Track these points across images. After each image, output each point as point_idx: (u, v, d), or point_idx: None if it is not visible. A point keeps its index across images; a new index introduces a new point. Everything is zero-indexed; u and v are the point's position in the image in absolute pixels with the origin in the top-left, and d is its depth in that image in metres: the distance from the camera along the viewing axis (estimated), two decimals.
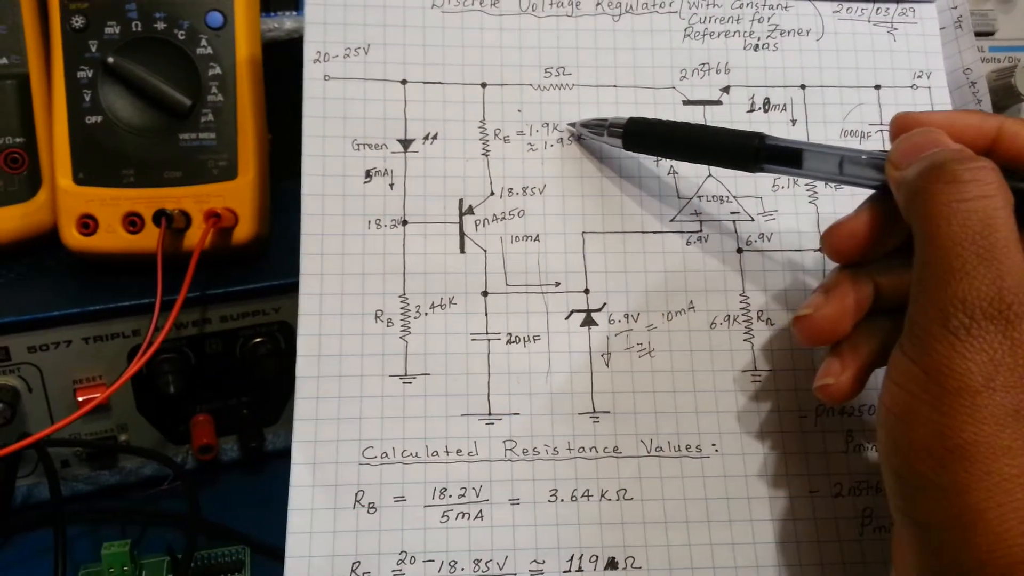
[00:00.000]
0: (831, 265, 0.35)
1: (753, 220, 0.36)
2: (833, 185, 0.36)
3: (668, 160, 0.36)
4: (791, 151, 0.30)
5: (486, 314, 0.34)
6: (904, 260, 0.28)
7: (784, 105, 0.37)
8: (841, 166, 0.29)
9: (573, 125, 0.36)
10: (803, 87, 0.38)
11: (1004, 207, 0.24)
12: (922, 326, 0.24)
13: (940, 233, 0.24)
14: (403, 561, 0.31)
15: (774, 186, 0.36)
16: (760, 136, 0.31)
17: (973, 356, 0.23)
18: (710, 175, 0.36)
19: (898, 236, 0.29)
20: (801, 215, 0.36)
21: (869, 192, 0.30)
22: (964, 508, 0.23)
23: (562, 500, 0.32)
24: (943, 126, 0.28)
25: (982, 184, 0.24)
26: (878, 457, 0.26)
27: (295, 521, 0.31)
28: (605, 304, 0.35)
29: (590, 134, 0.36)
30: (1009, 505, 0.22)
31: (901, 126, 0.29)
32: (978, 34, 0.48)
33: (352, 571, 0.31)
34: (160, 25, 0.43)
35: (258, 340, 0.45)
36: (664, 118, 0.36)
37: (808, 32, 0.38)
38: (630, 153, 0.36)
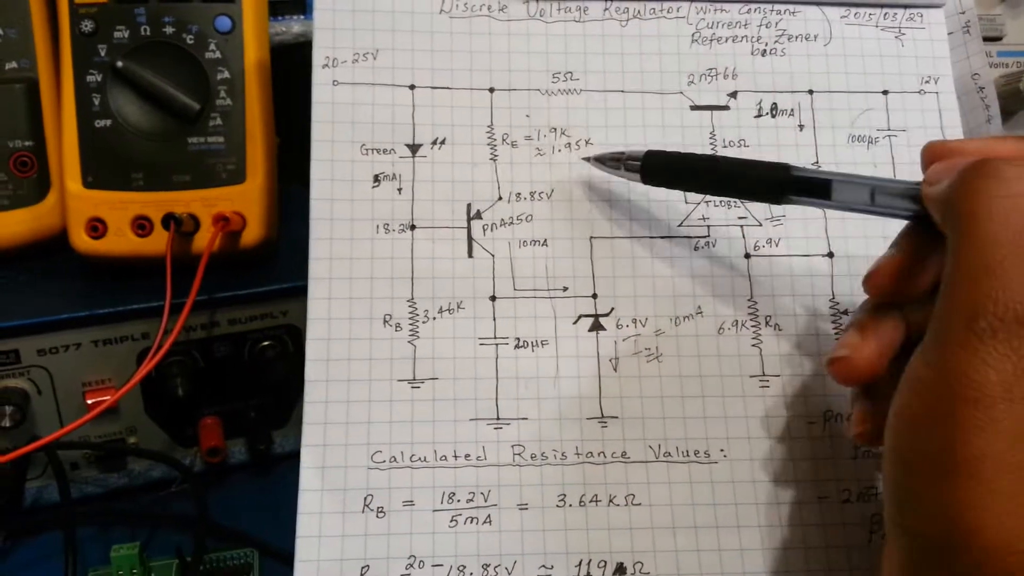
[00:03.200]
0: (839, 270, 0.35)
1: (761, 225, 0.36)
2: None
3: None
4: (819, 182, 0.29)
5: (494, 319, 0.34)
6: (934, 297, 0.27)
7: (792, 110, 0.37)
8: (873, 196, 0.28)
9: (588, 159, 0.36)
10: (811, 92, 0.38)
11: None
12: (945, 326, 0.23)
13: (979, 228, 0.23)
14: (412, 565, 0.31)
15: None
16: (787, 168, 0.30)
17: (995, 364, 0.22)
18: None
19: (933, 273, 0.28)
20: (809, 220, 0.36)
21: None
22: (961, 525, 0.22)
23: (570, 505, 0.32)
24: (979, 153, 0.26)
25: None
26: (883, 461, 0.26)
27: (304, 525, 0.31)
28: (613, 309, 0.35)
29: (607, 169, 0.35)
30: (1009, 523, 0.22)
31: (935, 154, 0.27)
32: (986, 39, 0.48)
33: (361, 575, 0.31)
34: (169, 29, 0.43)
35: (266, 343, 0.45)
36: (672, 124, 0.37)
37: (816, 37, 0.38)
38: None
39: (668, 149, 0.34)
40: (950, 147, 0.27)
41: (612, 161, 0.35)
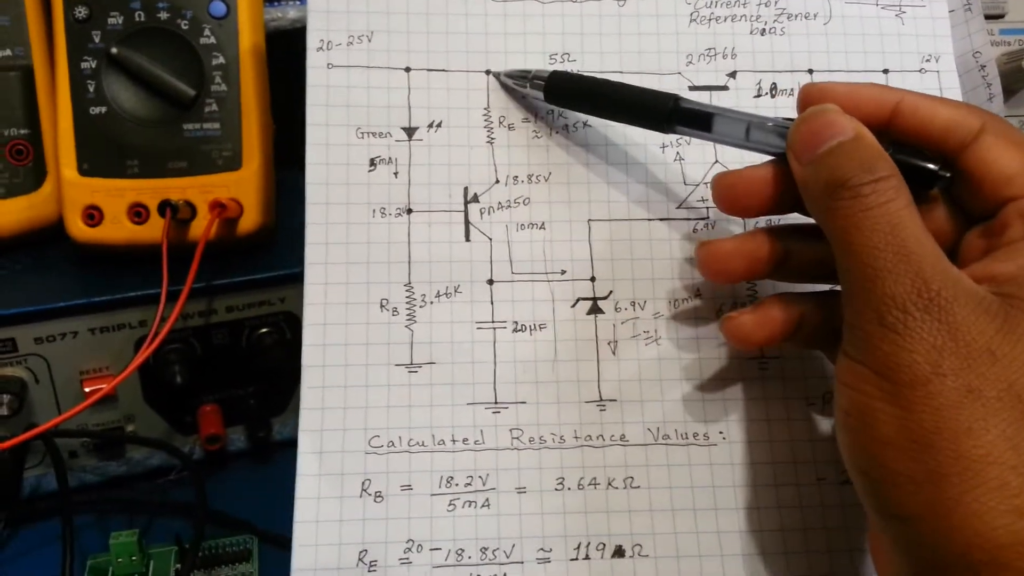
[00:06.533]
0: None
1: None
2: None
3: (674, 139, 0.36)
4: (702, 114, 0.31)
5: (492, 303, 0.34)
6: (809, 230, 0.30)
7: (791, 90, 0.37)
8: (748, 132, 0.30)
9: (498, 75, 0.36)
10: (810, 72, 0.37)
11: (906, 205, 0.26)
12: (861, 328, 0.25)
13: (855, 242, 0.26)
14: (410, 549, 0.31)
15: None
16: (675, 98, 0.31)
17: (916, 347, 0.24)
18: (717, 161, 0.36)
19: (793, 200, 0.30)
20: None
21: None
22: (941, 497, 0.23)
23: (569, 488, 0.32)
24: (843, 99, 0.29)
25: (882, 192, 0.26)
26: (845, 463, 0.27)
27: (302, 510, 0.31)
28: (611, 292, 0.34)
29: (514, 84, 0.35)
30: (984, 487, 0.23)
31: (806, 97, 0.30)
32: (988, 17, 0.47)
33: (359, 559, 0.31)
34: (163, 15, 0.43)
35: (264, 330, 0.45)
36: None
37: (815, 16, 0.38)
38: (635, 139, 0.36)
39: None
40: (820, 89, 0.30)
41: (520, 79, 0.35)
